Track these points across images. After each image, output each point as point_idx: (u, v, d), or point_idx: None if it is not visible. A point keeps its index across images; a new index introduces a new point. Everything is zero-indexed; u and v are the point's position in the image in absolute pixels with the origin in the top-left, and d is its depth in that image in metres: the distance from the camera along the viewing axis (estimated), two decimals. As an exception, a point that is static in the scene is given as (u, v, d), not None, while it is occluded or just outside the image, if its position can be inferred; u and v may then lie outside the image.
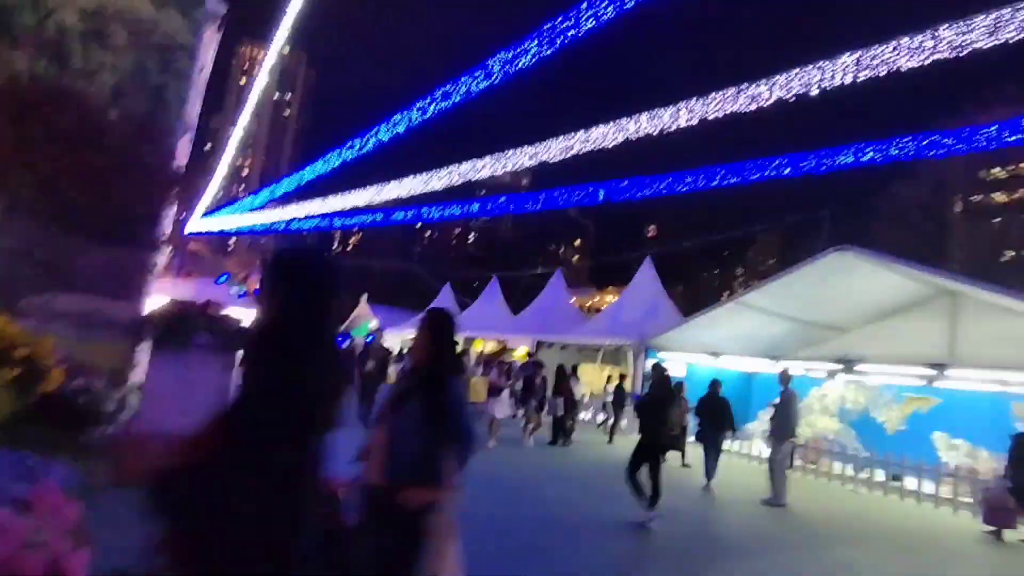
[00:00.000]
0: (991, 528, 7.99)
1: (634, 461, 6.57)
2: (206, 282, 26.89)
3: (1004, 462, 8.51)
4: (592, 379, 17.30)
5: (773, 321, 14.63)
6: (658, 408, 6.77)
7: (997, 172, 63.09)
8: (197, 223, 30.56)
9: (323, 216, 26.83)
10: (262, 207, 31.72)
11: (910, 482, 10.45)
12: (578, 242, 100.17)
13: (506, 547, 5.12)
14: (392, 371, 15.51)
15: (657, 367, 7.32)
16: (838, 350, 14.07)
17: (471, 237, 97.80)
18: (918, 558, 6.40)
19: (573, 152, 16.90)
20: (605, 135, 16.11)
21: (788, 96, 12.58)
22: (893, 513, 9.42)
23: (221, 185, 27.74)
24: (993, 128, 14.90)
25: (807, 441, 12.60)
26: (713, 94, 13.67)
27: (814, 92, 12.29)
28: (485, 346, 21.06)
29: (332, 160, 20.81)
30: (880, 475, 10.98)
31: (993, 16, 10.06)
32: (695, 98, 13.75)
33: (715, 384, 10.12)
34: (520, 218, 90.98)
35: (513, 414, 13.32)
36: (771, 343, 15.42)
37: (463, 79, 15.11)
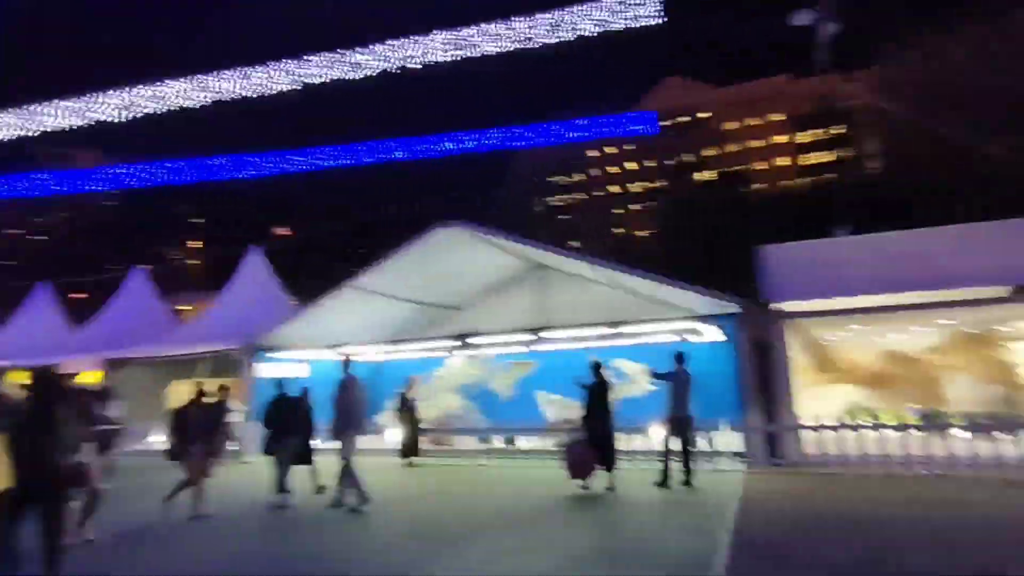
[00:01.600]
0: (578, 481, 7.95)
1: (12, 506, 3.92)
2: None
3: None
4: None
5: (395, 306, 14.12)
6: (39, 428, 4.11)
7: (562, 179, 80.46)
8: None
9: None
10: None
11: (523, 442, 11.00)
12: (194, 243, 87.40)
13: None
14: None
15: (37, 376, 4.22)
16: (458, 328, 14.42)
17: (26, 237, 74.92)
18: (525, 532, 6.11)
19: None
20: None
21: (392, 67, 12.01)
22: (508, 478, 9.56)
23: None
24: (559, 127, 17.51)
25: (432, 423, 12.35)
26: (310, 56, 12.22)
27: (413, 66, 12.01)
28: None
29: None
30: (498, 442, 11.35)
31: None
32: (287, 59, 12.08)
33: (281, 385, 8.47)
34: (112, 213, 73.96)
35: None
36: (396, 328, 14.95)
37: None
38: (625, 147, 76.24)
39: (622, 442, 10.29)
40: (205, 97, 12.99)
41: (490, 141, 15.97)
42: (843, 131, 68.72)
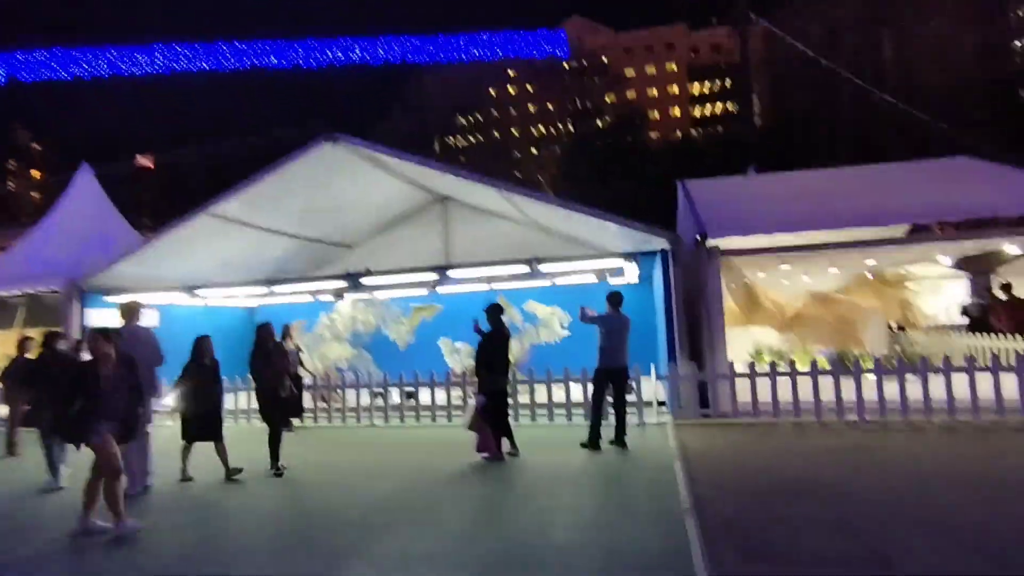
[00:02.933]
0: (485, 454, 6.51)
1: None
2: None
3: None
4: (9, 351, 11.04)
5: (270, 240, 11.87)
6: None
7: (461, 119, 76.97)
8: None
9: None
10: None
11: (425, 397, 9.56)
12: (37, 173, 75.30)
13: None
14: None
15: None
16: (348, 268, 12.48)
17: None
18: (436, 527, 4.76)
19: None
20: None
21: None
22: (407, 443, 8.17)
23: None
24: (463, 40, 15.40)
25: (317, 378, 10.55)
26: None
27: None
28: None
29: None
30: (396, 397, 9.82)
31: None
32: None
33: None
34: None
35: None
36: (272, 267, 12.71)
37: None
38: (527, 87, 74.07)
39: (537, 394, 9.19)
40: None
41: (386, 52, 13.61)
42: (733, 84, 71.21)
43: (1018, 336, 10.44)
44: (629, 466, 6.16)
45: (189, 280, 10.93)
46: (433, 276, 10.22)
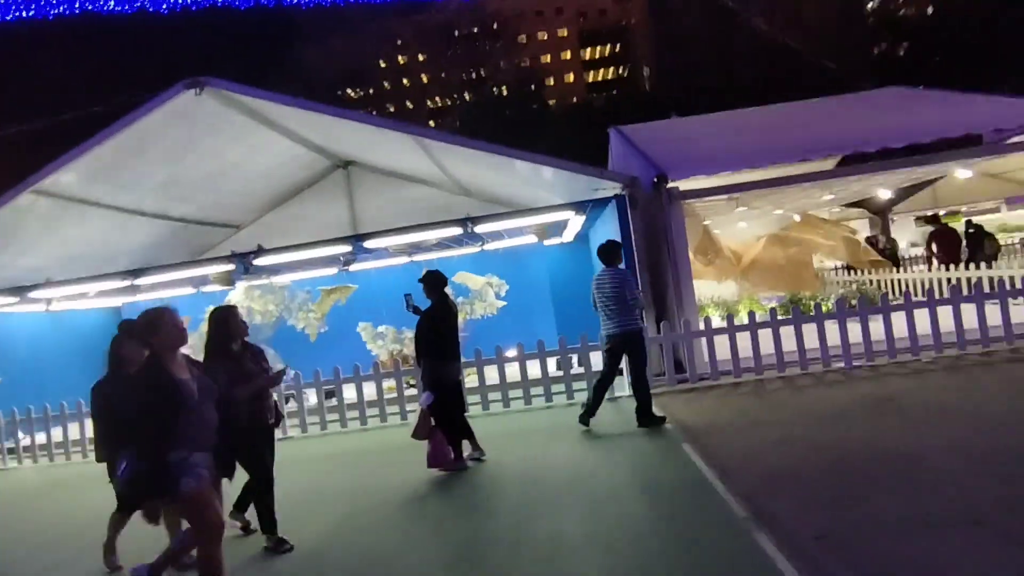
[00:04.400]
0: (445, 469, 5.10)
1: None
2: None
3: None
4: None
5: (129, 223, 9.52)
6: None
7: (351, 92, 72.22)
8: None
9: None
10: None
11: (350, 394, 7.88)
12: None
13: None
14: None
15: None
16: (237, 250, 10.32)
17: None
18: None
19: None
20: None
21: None
22: (338, 459, 6.58)
23: None
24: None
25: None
26: None
27: None
28: None
29: None
30: (312, 398, 8.06)
31: None
32: None
33: None
34: None
35: None
36: (138, 258, 10.32)
37: None
38: (419, 56, 70.64)
39: (486, 376, 7.80)
40: None
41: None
42: (623, 48, 72.01)
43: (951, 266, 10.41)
44: (629, 457, 4.94)
45: (18, 279, 8.43)
46: (345, 248, 8.46)
